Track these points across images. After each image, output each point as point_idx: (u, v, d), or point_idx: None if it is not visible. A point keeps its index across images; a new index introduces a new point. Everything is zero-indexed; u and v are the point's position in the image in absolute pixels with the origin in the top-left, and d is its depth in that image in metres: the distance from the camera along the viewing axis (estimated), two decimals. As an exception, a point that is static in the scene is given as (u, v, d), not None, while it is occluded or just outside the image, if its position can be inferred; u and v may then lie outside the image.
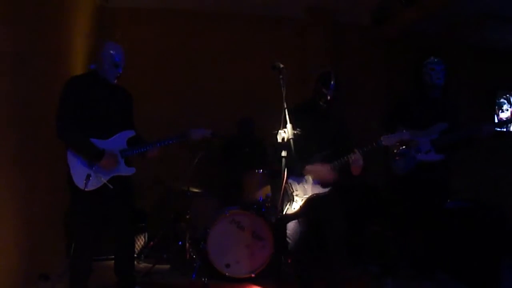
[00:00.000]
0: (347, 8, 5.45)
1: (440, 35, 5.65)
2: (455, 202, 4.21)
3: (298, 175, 3.15)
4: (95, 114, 3.09)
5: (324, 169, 3.09)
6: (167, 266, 4.22)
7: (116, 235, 3.33)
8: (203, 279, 3.72)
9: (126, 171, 3.20)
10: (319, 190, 3.12)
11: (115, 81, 3.21)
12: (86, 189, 2.93)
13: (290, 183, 3.07)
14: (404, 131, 3.11)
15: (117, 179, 3.12)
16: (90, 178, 2.95)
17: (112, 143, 3.14)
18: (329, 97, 3.17)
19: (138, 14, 5.47)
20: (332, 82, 3.17)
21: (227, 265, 3.86)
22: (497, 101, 6.09)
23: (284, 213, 2.85)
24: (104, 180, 3.05)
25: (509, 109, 6.08)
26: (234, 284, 3.78)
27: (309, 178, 3.14)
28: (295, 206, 3.08)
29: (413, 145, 3.62)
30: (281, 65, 2.79)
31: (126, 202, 3.28)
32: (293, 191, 3.06)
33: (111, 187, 3.05)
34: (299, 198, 3.10)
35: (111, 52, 3.14)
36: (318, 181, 3.13)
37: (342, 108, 3.60)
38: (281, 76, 2.78)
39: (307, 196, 3.10)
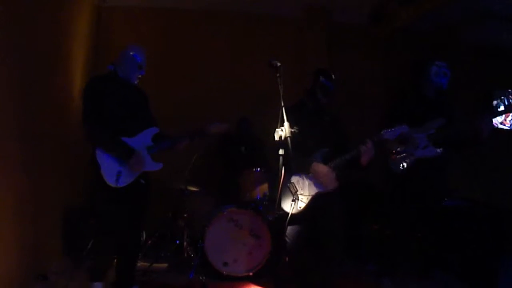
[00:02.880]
0: (345, 7, 5.45)
1: (438, 35, 5.66)
2: (452, 201, 4.22)
3: (304, 172, 3.15)
4: (119, 113, 3.14)
5: (329, 176, 3.09)
6: (165, 265, 4.22)
7: (125, 233, 3.28)
8: (201, 278, 3.72)
9: (154, 166, 3.24)
10: (323, 188, 3.13)
11: (136, 81, 3.31)
12: (118, 186, 2.98)
13: (293, 183, 3.06)
14: (404, 126, 3.10)
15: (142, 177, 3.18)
16: (121, 175, 3.00)
17: (138, 140, 3.19)
18: (320, 97, 3.24)
19: (135, 13, 5.47)
20: (332, 80, 3.24)
21: (225, 264, 3.86)
22: (493, 102, 6.08)
23: (290, 213, 2.84)
24: (134, 175, 3.09)
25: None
26: (232, 283, 3.79)
27: (312, 177, 3.14)
28: (301, 205, 3.07)
29: (411, 143, 3.63)
30: (278, 63, 2.80)
31: (144, 203, 3.31)
32: (297, 190, 3.05)
33: (143, 181, 3.10)
34: (304, 197, 3.10)
35: (134, 54, 3.26)
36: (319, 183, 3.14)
37: (336, 107, 3.62)
38: (278, 74, 2.79)
39: (311, 195, 3.10)
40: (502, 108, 6.04)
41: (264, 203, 4.08)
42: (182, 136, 3.36)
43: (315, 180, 3.12)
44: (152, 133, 3.30)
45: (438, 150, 3.61)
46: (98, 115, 3.03)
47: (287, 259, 3.55)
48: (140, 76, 3.32)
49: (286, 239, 3.14)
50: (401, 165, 3.68)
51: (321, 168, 3.10)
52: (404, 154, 3.67)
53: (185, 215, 4.27)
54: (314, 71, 3.33)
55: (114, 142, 3.06)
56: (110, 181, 2.99)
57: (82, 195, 4.84)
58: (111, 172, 3.00)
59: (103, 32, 5.32)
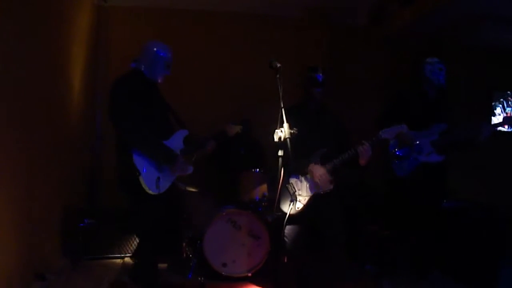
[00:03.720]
0: (345, 8, 5.45)
1: (437, 35, 5.66)
2: (451, 202, 4.22)
3: (301, 173, 3.15)
4: (152, 114, 3.02)
5: (324, 178, 3.10)
6: (163, 265, 4.21)
7: (165, 236, 3.25)
8: (199, 278, 3.70)
9: (188, 169, 3.18)
10: (318, 189, 3.13)
11: (160, 81, 3.19)
12: (160, 192, 2.90)
13: (291, 183, 3.06)
14: (403, 125, 3.11)
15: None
16: (160, 180, 2.91)
17: (172, 143, 3.09)
18: (313, 90, 3.25)
19: (135, 13, 5.45)
20: (319, 73, 3.27)
21: (224, 264, 3.85)
22: (493, 104, 6.09)
23: (288, 213, 2.83)
24: (172, 179, 3.05)
25: (502, 114, 6.08)
26: (231, 283, 3.78)
27: (309, 178, 3.15)
28: (299, 205, 3.07)
29: (414, 147, 3.65)
30: (278, 64, 2.80)
31: (178, 206, 3.33)
32: (296, 191, 3.05)
33: (184, 186, 3.07)
34: (302, 197, 3.10)
35: (163, 53, 3.10)
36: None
37: (335, 107, 3.62)
38: (278, 75, 2.79)
39: (309, 195, 3.10)
40: (501, 112, 6.06)
41: (263, 204, 4.08)
42: (210, 138, 3.31)
43: (312, 181, 3.13)
44: (183, 136, 3.21)
45: (442, 157, 3.63)
46: (134, 116, 2.85)
47: (286, 259, 3.56)
48: (166, 75, 3.18)
49: (285, 239, 3.14)
50: (404, 170, 3.70)
51: (317, 170, 3.11)
52: (407, 160, 3.69)
53: (184, 216, 4.26)
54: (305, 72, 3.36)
55: (158, 146, 2.94)
56: (152, 189, 2.88)
57: (81, 196, 4.85)
58: (150, 179, 2.88)
59: (103, 32, 5.31)
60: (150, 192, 2.88)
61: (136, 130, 2.85)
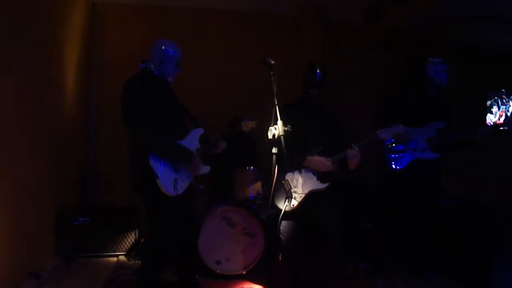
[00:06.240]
0: (340, 5, 5.45)
1: (431, 34, 5.67)
2: (445, 200, 4.24)
3: (298, 167, 3.15)
4: (166, 114, 3.00)
5: (323, 161, 3.11)
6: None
7: (182, 237, 3.19)
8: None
9: (205, 169, 3.17)
10: (317, 186, 3.12)
11: (172, 80, 3.15)
12: (178, 194, 2.88)
13: (287, 180, 3.05)
14: (400, 125, 3.11)
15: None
16: (177, 182, 2.89)
17: (188, 142, 3.07)
18: (314, 88, 3.21)
19: (130, 10, 5.42)
20: (316, 73, 3.22)
21: (218, 262, 3.85)
22: (488, 102, 6.11)
23: (283, 210, 2.83)
24: (189, 180, 3.03)
25: (498, 112, 6.10)
26: (225, 281, 3.77)
27: (306, 174, 3.14)
28: (294, 203, 3.07)
29: (410, 143, 3.66)
30: (272, 61, 2.79)
31: (195, 203, 3.31)
32: (291, 188, 3.03)
33: (202, 187, 3.02)
34: (297, 195, 3.09)
35: (172, 51, 3.09)
36: (316, 175, 3.14)
37: (333, 105, 3.62)
38: (271, 73, 2.79)
39: (305, 192, 3.10)
40: (497, 110, 6.08)
41: (258, 201, 4.07)
42: (220, 138, 3.29)
43: (309, 171, 3.12)
44: (198, 134, 3.19)
45: (436, 155, 3.64)
46: (148, 117, 2.82)
47: (280, 257, 3.56)
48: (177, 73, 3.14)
49: (281, 236, 3.13)
50: (399, 164, 3.71)
51: (315, 158, 3.12)
52: (402, 154, 3.70)
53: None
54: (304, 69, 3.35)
55: (174, 147, 2.93)
56: (170, 191, 2.86)
57: (75, 194, 4.83)
58: (168, 181, 2.86)
59: (97, 29, 5.28)
60: (169, 194, 2.87)
61: (150, 131, 2.83)
